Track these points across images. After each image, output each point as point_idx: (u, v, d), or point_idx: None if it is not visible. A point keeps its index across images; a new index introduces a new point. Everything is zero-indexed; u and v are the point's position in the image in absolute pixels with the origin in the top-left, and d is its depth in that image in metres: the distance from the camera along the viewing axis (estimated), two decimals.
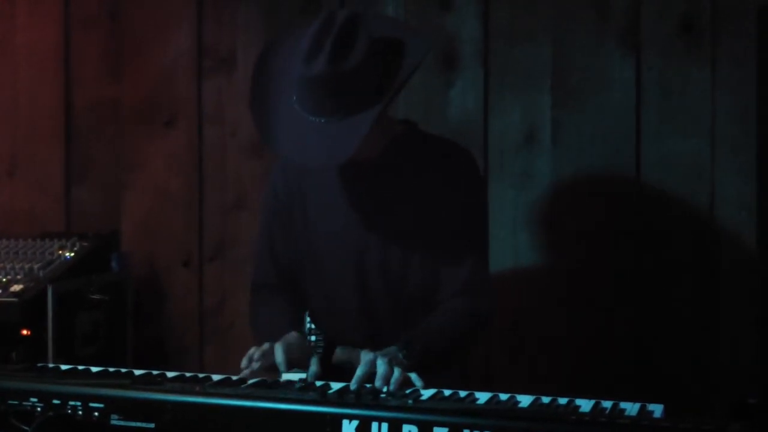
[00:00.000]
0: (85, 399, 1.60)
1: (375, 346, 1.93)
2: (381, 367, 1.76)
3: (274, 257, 2.19)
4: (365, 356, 1.83)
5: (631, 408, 1.55)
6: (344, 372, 1.92)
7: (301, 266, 2.17)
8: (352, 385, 1.74)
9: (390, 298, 2.08)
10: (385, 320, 2.09)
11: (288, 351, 1.89)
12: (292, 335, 1.98)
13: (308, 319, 2.25)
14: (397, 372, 1.76)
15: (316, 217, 2.13)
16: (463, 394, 1.69)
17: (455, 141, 2.18)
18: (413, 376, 1.79)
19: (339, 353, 2.05)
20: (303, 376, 1.87)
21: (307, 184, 2.15)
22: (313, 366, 1.88)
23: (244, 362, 1.88)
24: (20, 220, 3.15)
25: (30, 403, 1.63)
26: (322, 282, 2.14)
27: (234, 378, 1.82)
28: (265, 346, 1.91)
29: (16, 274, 2.60)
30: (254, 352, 1.89)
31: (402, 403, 1.58)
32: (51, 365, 1.99)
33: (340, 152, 1.89)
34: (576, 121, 2.67)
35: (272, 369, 1.88)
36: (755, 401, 1.50)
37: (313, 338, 2.03)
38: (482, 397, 1.67)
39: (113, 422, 1.58)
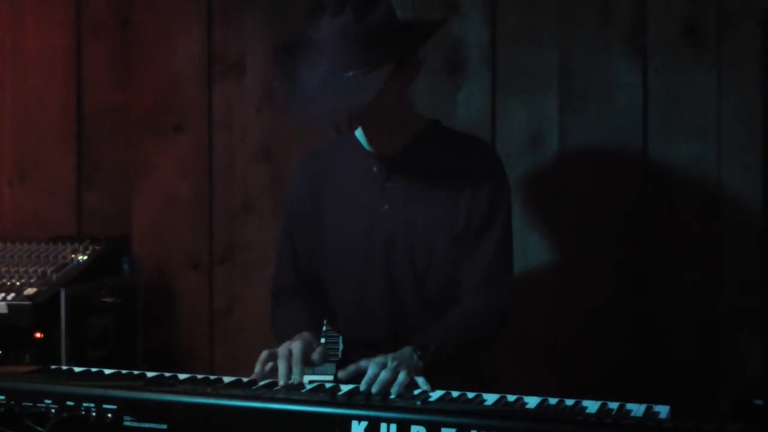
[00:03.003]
0: (99, 400, 1.61)
1: (400, 346, 1.93)
2: (384, 373, 1.77)
3: (295, 260, 2.21)
4: (378, 358, 1.83)
5: (637, 409, 1.56)
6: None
7: (325, 268, 2.18)
8: (362, 387, 1.76)
9: (418, 294, 2.10)
10: (413, 317, 2.10)
11: (305, 352, 1.89)
12: (304, 336, 1.99)
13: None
14: (401, 376, 1.76)
15: (341, 215, 2.15)
16: (471, 395, 1.71)
17: (482, 138, 2.21)
18: (421, 380, 1.80)
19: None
20: (312, 377, 1.88)
21: (330, 183, 2.17)
22: (330, 376, 1.90)
23: (257, 369, 1.87)
24: (31, 225, 3.17)
25: (44, 405, 1.64)
26: (347, 282, 2.15)
27: (245, 380, 1.84)
28: (282, 350, 1.90)
29: (30, 277, 2.62)
30: (266, 356, 1.90)
31: (410, 404, 1.60)
32: (64, 367, 2.01)
33: (364, 95, 1.92)
34: (582, 124, 2.68)
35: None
36: (761, 403, 1.51)
37: (323, 340, 2.04)
38: (490, 398, 1.68)
39: (126, 423, 1.59)
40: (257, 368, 1.87)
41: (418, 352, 1.88)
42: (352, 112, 2.03)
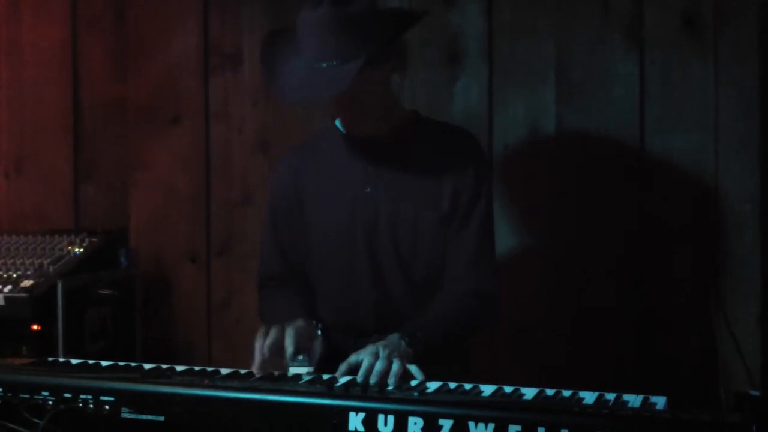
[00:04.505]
0: (96, 392, 1.62)
1: (385, 331, 1.94)
2: (379, 363, 1.77)
3: (279, 247, 2.22)
4: (369, 348, 1.84)
5: (634, 400, 1.57)
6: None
7: (309, 255, 2.19)
8: (359, 378, 1.76)
9: (403, 278, 2.11)
10: (398, 301, 2.11)
11: (298, 337, 1.91)
12: (300, 322, 2.00)
13: None
14: (395, 366, 1.77)
15: (324, 203, 2.16)
16: (468, 386, 1.71)
17: (462, 126, 2.24)
18: (413, 368, 1.81)
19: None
20: (311, 369, 1.88)
21: (313, 172, 2.19)
22: (317, 347, 1.92)
23: (257, 346, 1.89)
24: (29, 218, 3.18)
25: (41, 397, 1.65)
26: (332, 268, 2.16)
27: (242, 371, 1.84)
28: (274, 331, 1.91)
29: (26, 269, 2.62)
30: (263, 337, 1.90)
31: (408, 395, 1.61)
32: (61, 359, 2.02)
33: (336, 87, 1.94)
34: (579, 116, 2.68)
35: (281, 355, 1.90)
36: (757, 394, 1.52)
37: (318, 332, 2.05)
38: (487, 389, 1.69)
39: (124, 415, 1.60)
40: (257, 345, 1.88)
41: (406, 339, 1.89)
42: (328, 101, 2.05)
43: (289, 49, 2.03)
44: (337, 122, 2.19)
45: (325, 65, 1.95)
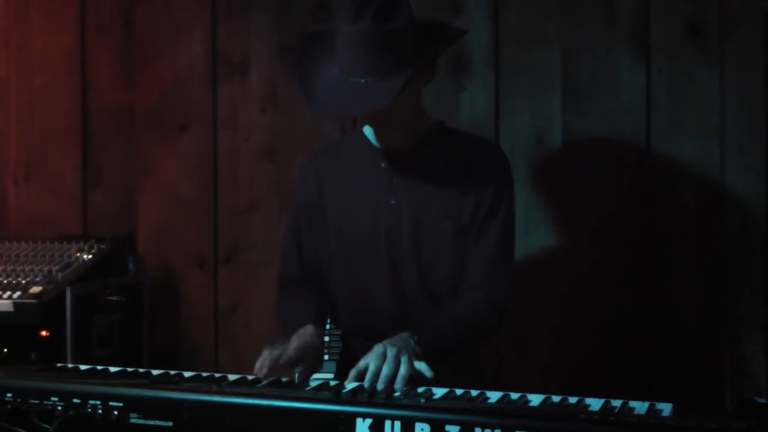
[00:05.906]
0: (105, 398, 1.63)
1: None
2: (386, 367, 1.78)
3: (300, 251, 2.24)
4: (376, 349, 1.84)
5: (640, 407, 1.57)
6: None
7: (329, 261, 2.20)
8: (366, 384, 1.77)
9: (422, 287, 2.12)
10: (416, 310, 2.12)
11: (300, 349, 1.91)
12: (308, 330, 2.01)
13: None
14: (403, 367, 1.77)
15: (347, 210, 2.17)
16: (474, 393, 1.72)
17: (487, 138, 2.24)
18: (422, 366, 1.81)
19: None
20: (316, 375, 1.89)
21: (337, 177, 2.20)
22: (331, 374, 1.92)
23: (257, 366, 1.89)
24: (37, 224, 3.19)
25: (51, 403, 1.66)
26: (352, 275, 2.17)
27: (249, 378, 1.85)
28: (277, 350, 1.92)
29: (35, 276, 2.63)
30: (267, 354, 1.91)
31: (414, 402, 1.61)
32: (70, 365, 2.03)
33: (377, 103, 1.93)
34: (586, 124, 2.69)
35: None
36: (764, 401, 1.52)
37: (326, 338, 2.05)
38: (493, 396, 1.69)
39: (132, 421, 1.61)
40: (264, 370, 1.87)
41: (415, 338, 1.90)
42: (364, 114, 2.05)
43: (323, 58, 2.02)
44: (365, 130, 2.19)
45: (362, 81, 1.94)
